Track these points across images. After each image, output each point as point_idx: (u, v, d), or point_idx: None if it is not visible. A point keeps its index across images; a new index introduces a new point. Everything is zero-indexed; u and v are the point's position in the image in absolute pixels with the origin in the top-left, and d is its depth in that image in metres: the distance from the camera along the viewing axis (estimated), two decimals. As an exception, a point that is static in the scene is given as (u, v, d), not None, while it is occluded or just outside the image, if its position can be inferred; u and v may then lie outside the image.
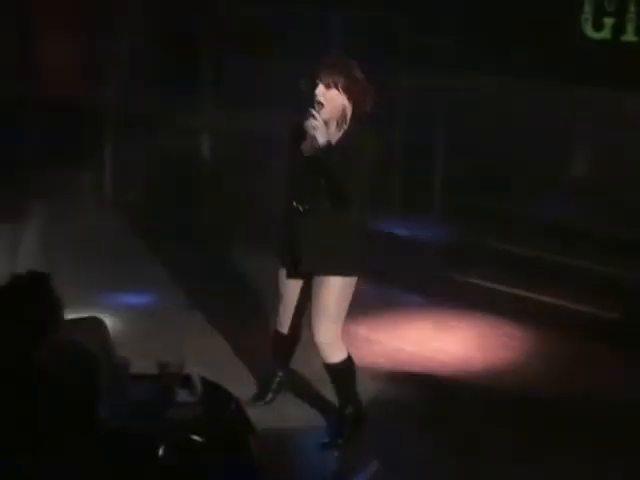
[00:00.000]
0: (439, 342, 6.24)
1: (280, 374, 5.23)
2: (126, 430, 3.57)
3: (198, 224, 8.37)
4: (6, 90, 9.82)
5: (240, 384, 5.24)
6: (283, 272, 4.88)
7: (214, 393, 4.10)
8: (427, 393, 5.48)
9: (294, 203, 4.59)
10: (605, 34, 7.08)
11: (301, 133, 4.54)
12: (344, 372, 4.81)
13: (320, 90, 4.41)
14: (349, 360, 4.83)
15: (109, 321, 5.82)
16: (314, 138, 4.39)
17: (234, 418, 4.01)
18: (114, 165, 9.68)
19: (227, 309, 6.55)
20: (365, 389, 5.14)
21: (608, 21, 7.05)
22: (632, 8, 6.95)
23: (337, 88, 4.42)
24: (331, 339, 4.73)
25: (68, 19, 9.76)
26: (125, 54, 9.52)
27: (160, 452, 3.60)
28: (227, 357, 5.81)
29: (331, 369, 4.82)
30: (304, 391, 5.38)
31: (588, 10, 7.13)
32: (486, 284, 6.99)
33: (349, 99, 4.46)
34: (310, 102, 4.46)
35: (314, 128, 4.40)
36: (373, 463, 4.59)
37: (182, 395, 3.99)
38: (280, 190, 4.79)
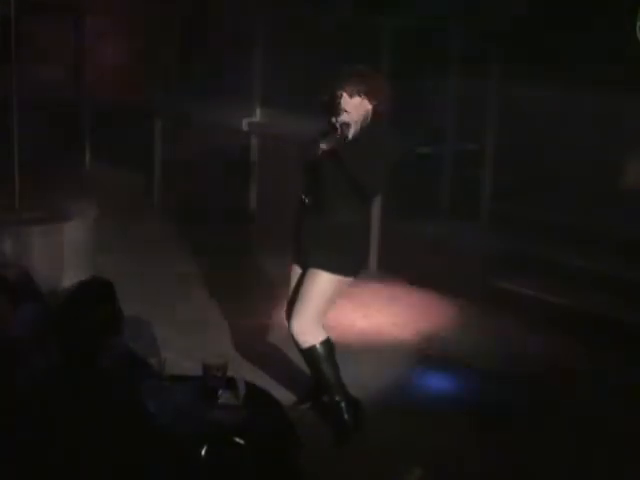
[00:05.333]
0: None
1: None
2: (170, 429, 3.58)
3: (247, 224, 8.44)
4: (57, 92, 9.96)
5: (283, 387, 5.26)
6: (292, 265, 5.07)
7: (257, 396, 4.11)
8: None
9: (302, 196, 4.84)
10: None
11: (320, 135, 4.79)
12: (315, 358, 4.89)
13: (345, 99, 4.69)
14: (322, 345, 4.87)
15: (154, 321, 5.92)
16: (341, 132, 4.62)
17: (276, 421, 4.01)
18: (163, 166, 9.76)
19: (276, 311, 6.56)
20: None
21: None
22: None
23: (359, 95, 4.70)
24: (301, 327, 4.85)
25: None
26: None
27: (203, 452, 3.63)
28: (273, 360, 5.80)
29: (304, 355, 4.94)
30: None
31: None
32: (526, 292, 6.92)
33: (370, 102, 4.73)
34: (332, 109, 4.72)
35: (344, 123, 4.63)
36: (417, 470, 4.56)
37: (225, 397, 4.00)
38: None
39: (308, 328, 4.85)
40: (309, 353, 4.90)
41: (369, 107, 4.73)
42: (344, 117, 4.66)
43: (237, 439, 3.76)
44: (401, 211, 7.67)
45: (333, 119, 4.67)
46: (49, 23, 10.30)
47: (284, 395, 4.99)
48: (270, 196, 8.69)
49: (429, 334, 6.41)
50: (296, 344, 4.93)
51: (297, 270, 5.02)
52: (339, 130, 4.64)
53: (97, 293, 3.52)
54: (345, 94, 4.69)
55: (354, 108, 4.70)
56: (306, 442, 4.08)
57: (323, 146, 4.71)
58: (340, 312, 5.91)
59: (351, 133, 4.65)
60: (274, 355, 5.85)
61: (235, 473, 3.75)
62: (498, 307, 6.75)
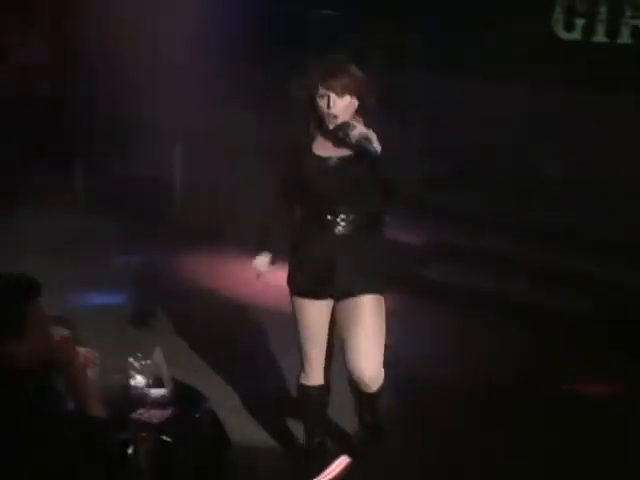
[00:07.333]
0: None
1: (320, 436, 4.49)
2: (96, 428, 3.56)
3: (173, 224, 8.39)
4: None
5: (213, 386, 5.24)
6: (306, 303, 4.20)
7: (186, 394, 4.11)
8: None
9: (328, 217, 4.06)
10: (576, 35, 7.14)
11: (306, 145, 4.12)
12: (377, 399, 4.37)
13: (333, 100, 3.96)
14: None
15: (81, 321, 5.84)
16: (362, 143, 3.89)
17: (205, 419, 4.03)
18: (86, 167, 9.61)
19: (201, 311, 6.54)
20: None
21: (579, 22, 7.12)
22: (602, 9, 7.02)
23: (350, 94, 3.99)
24: (380, 369, 4.19)
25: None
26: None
27: (129, 451, 3.62)
28: (201, 359, 5.79)
29: (368, 398, 4.32)
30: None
31: (559, 10, 7.18)
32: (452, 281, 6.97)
33: (358, 98, 4.01)
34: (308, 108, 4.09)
35: (366, 136, 3.90)
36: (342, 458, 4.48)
37: (153, 395, 4.00)
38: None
39: (381, 368, 4.18)
40: (379, 395, 4.29)
41: (355, 104, 3.99)
42: (358, 130, 3.88)
43: (165, 437, 3.77)
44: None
45: (352, 130, 3.90)
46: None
47: (214, 393, 4.98)
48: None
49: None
50: (360, 391, 4.24)
51: (315, 305, 4.18)
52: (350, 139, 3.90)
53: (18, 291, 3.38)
54: (333, 94, 3.95)
55: (344, 110, 3.98)
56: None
57: (335, 157, 4.03)
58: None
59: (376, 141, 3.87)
60: (205, 353, 5.85)
61: (164, 471, 3.76)
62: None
